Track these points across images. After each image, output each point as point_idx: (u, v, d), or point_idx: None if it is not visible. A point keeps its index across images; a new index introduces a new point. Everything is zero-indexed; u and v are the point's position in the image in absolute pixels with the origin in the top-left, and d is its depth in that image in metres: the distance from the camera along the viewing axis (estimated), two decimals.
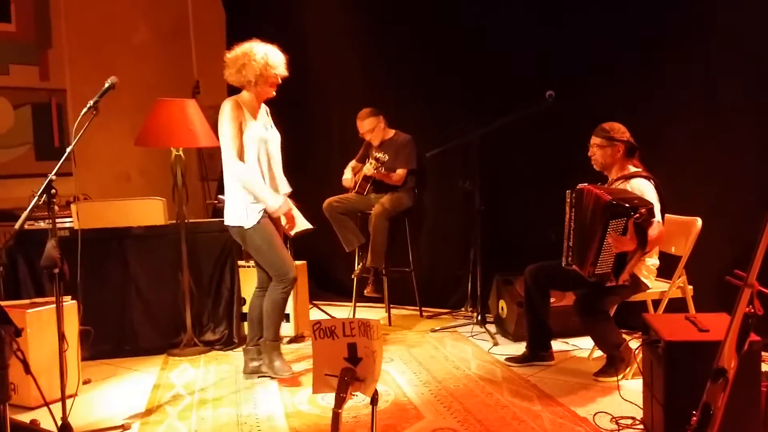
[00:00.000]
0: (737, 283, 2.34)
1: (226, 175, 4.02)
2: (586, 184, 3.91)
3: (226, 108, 3.94)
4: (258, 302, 4.21)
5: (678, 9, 4.58)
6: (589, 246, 3.78)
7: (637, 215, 3.59)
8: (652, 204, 3.69)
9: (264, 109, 4.13)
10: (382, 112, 5.52)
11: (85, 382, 4.12)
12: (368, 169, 5.34)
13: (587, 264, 3.80)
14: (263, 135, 4.00)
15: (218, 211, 5.59)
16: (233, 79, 4.00)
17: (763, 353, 2.78)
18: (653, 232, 3.69)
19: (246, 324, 4.39)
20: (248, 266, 5.00)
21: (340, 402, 2.18)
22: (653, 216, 3.68)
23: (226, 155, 3.91)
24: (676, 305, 3.97)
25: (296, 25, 6.31)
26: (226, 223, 4.07)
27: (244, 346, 4.34)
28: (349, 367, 2.24)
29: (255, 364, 4.21)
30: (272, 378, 4.13)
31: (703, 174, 4.50)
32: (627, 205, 3.62)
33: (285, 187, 4.19)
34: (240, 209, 3.96)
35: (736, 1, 4.36)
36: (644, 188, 3.85)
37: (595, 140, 4.04)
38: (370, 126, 5.48)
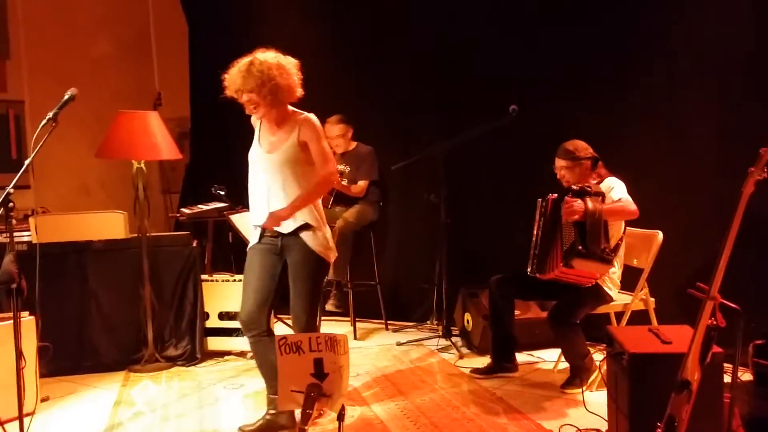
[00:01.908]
0: (700, 296, 2.37)
1: None
2: (555, 194, 3.99)
3: None
4: None
5: (639, 24, 4.66)
6: (553, 239, 3.91)
7: (579, 186, 3.82)
8: (601, 191, 3.86)
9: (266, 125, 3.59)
10: (352, 122, 5.52)
11: (44, 400, 4.02)
12: None
13: (546, 259, 3.93)
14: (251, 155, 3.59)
15: (181, 225, 5.54)
16: None
17: (725, 365, 2.81)
18: (616, 203, 3.83)
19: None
20: (212, 280, 4.95)
21: (306, 418, 2.15)
22: (599, 190, 3.84)
23: None
24: (639, 317, 4.01)
25: (259, 38, 6.22)
26: None
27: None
28: (315, 383, 2.22)
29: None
30: None
31: (663, 187, 4.56)
32: (573, 186, 3.86)
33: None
34: None
35: (697, 17, 4.44)
36: (614, 182, 3.97)
37: (560, 162, 4.09)
38: (340, 132, 5.47)
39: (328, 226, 3.57)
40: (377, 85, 5.79)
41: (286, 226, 3.42)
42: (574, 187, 3.87)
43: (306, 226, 3.41)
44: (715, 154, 4.41)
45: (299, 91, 3.50)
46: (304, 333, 3.42)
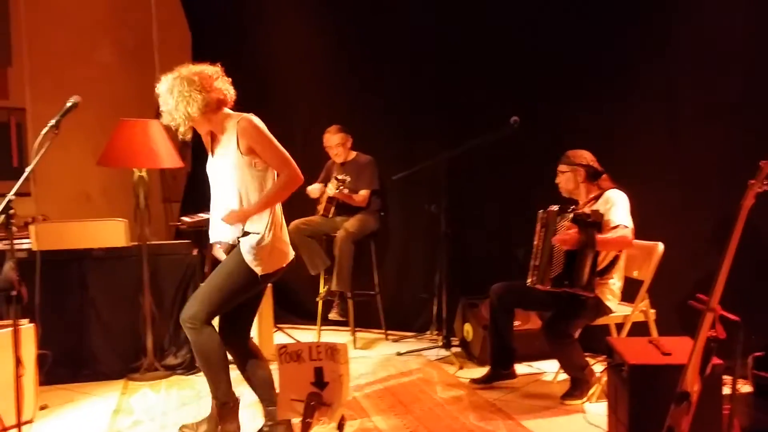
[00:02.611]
0: (700, 308, 2.37)
1: None
2: (557, 206, 3.99)
3: None
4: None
5: (639, 35, 4.67)
6: (546, 254, 3.94)
7: (579, 211, 3.80)
8: (599, 211, 3.85)
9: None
10: (350, 131, 5.54)
11: (42, 408, 4.01)
12: (330, 189, 5.33)
13: (545, 271, 3.93)
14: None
15: (182, 233, 5.53)
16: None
17: (724, 376, 2.81)
18: (613, 233, 3.82)
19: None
20: None
21: (306, 427, 2.14)
22: (600, 218, 3.82)
23: None
24: (639, 329, 4.00)
25: (261, 46, 6.29)
26: None
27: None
28: (315, 392, 2.21)
29: None
30: None
31: (664, 199, 4.56)
32: (573, 206, 3.86)
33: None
34: None
35: (697, 25, 4.46)
36: (615, 197, 3.96)
37: (559, 167, 4.17)
38: (340, 141, 5.49)
39: (285, 244, 3.40)
40: (378, 93, 5.80)
41: (230, 234, 3.35)
42: (572, 209, 3.91)
43: (247, 234, 3.32)
44: (716, 165, 4.42)
45: (220, 95, 3.32)
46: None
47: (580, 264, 3.78)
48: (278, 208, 3.42)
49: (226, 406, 3.40)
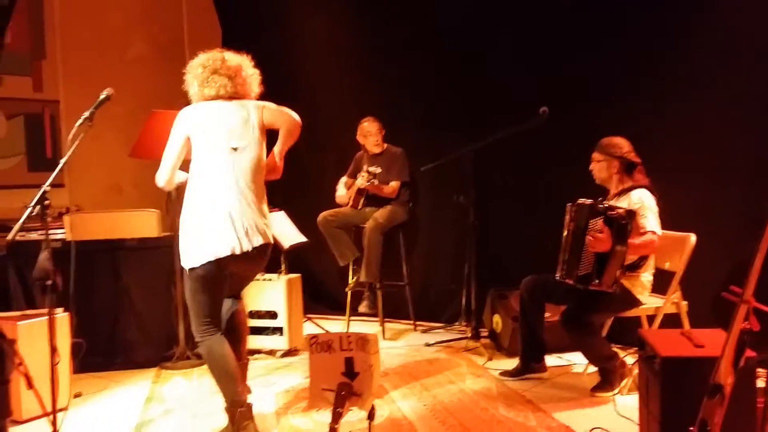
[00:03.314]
0: (733, 299, 2.33)
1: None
2: (585, 199, 3.94)
3: None
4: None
5: (669, 28, 4.61)
6: (576, 250, 3.87)
7: (613, 212, 3.71)
8: (634, 211, 3.76)
9: None
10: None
11: (76, 396, 4.08)
12: (360, 182, 5.34)
13: (573, 267, 3.87)
14: None
15: None
16: (230, 91, 3.44)
17: (758, 369, 2.77)
18: (643, 239, 3.77)
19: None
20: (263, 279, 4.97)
21: (337, 417, 2.16)
22: (633, 219, 3.74)
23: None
24: (671, 321, 3.96)
25: (291, 39, 6.32)
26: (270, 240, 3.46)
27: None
28: (346, 382, 2.23)
29: None
30: None
31: (697, 189, 4.51)
32: (606, 204, 3.78)
33: None
34: None
35: (728, 14, 4.39)
36: (644, 196, 3.89)
37: (594, 155, 4.11)
38: (379, 129, 5.51)
39: (207, 237, 3.27)
40: (405, 85, 5.80)
41: None
42: (604, 206, 3.81)
43: None
44: (749, 154, 4.35)
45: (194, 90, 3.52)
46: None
47: (610, 265, 3.73)
48: (197, 199, 3.34)
49: (234, 410, 3.32)
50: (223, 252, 3.25)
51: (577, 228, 3.93)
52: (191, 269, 3.30)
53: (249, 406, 3.34)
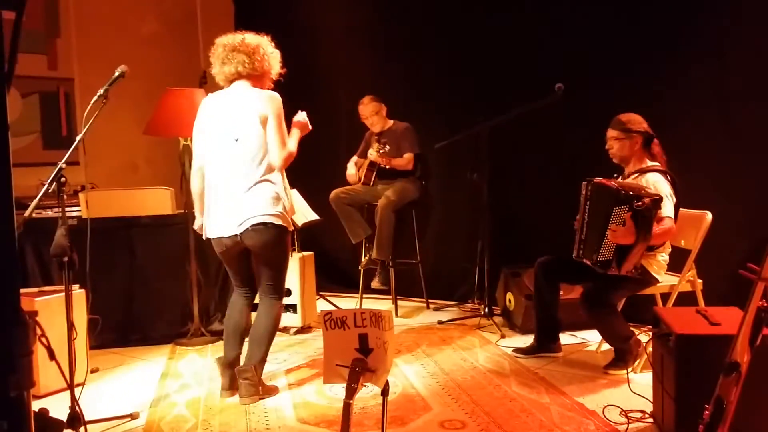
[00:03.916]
0: (751, 277, 2.32)
1: (278, 171, 3.61)
2: (601, 178, 3.87)
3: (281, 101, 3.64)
4: (240, 314, 3.81)
5: (692, 6, 4.55)
6: (595, 233, 3.79)
7: (639, 203, 3.58)
8: (659, 196, 3.67)
9: None
10: (382, 101, 5.53)
11: (93, 371, 4.12)
12: (372, 154, 5.34)
13: (592, 251, 3.80)
14: None
15: None
16: (248, 67, 3.58)
17: None
18: (662, 227, 3.69)
19: (226, 338, 3.81)
20: None
21: (351, 392, 2.17)
22: (658, 208, 3.66)
23: (285, 153, 3.60)
24: (685, 299, 3.95)
25: (304, 17, 6.29)
26: (258, 223, 3.53)
27: (240, 368, 3.69)
28: (360, 358, 2.23)
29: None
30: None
31: (713, 166, 4.47)
32: (631, 192, 3.62)
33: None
34: (278, 205, 3.59)
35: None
36: (659, 183, 3.81)
37: (611, 133, 3.99)
38: (374, 110, 5.48)
39: (207, 220, 3.69)
40: (420, 63, 5.76)
41: None
42: (629, 194, 3.62)
43: None
44: (766, 134, 4.30)
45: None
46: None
47: (632, 255, 3.68)
48: (193, 183, 3.76)
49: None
50: (210, 234, 3.69)
51: (597, 212, 3.82)
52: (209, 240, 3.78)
53: (239, 371, 3.68)
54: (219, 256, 3.75)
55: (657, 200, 3.65)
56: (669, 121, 4.54)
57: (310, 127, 3.84)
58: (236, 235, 3.54)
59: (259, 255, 3.66)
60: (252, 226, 3.51)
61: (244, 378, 3.64)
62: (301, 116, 3.83)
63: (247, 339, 3.78)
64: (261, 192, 3.53)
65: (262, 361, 3.71)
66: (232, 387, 3.72)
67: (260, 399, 3.66)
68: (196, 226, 3.87)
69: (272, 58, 3.69)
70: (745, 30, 4.36)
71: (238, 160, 3.54)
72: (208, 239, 3.72)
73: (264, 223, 3.52)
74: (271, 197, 3.54)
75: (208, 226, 3.67)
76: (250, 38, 3.64)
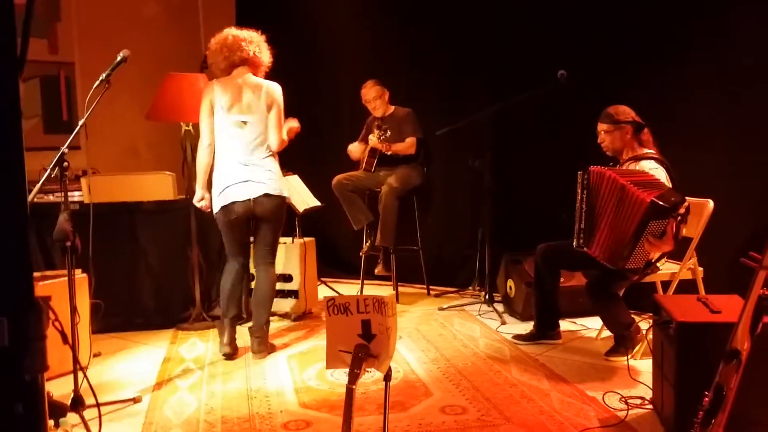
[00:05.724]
0: (752, 265, 2.33)
1: (273, 151, 4.12)
2: (597, 166, 3.85)
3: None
4: (238, 280, 4.25)
5: None
6: (623, 241, 3.62)
7: (679, 217, 3.51)
8: (686, 200, 3.58)
9: None
10: (386, 85, 5.52)
11: (96, 355, 4.14)
12: (372, 140, 5.34)
13: (618, 257, 3.66)
14: None
15: None
16: (244, 55, 4.07)
17: None
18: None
19: (227, 300, 4.21)
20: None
21: (353, 378, 2.18)
22: (689, 212, 3.62)
23: (281, 139, 4.13)
24: (686, 287, 3.96)
25: (306, 3, 6.26)
26: (270, 192, 4.03)
27: (252, 328, 4.19)
28: (363, 344, 2.24)
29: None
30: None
31: (715, 154, 4.47)
32: (668, 205, 3.47)
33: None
34: (282, 181, 4.17)
35: None
36: (656, 171, 3.79)
37: (601, 126, 3.99)
38: (377, 94, 5.47)
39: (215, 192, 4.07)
40: (423, 50, 5.75)
41: None
42: (669, 203, 3.46)
43: None
44: None
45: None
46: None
47: (654, 260, 3.70)
48: (201, 156, 4.09)
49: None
50: (216, 207, 4.11)
51: (589, 196, 3.78)
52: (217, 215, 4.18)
53: (251, 330, 4.18)
54: (225, 226, 4.10)
55: (688, 206, 3.58)
56: (670, 109, 4.54)
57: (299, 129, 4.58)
58: (249, 200, 4.00)
59: (266, 220, 4.09)
60: (265, 193, 4.00)
61: (256, 336, 4.14)
62: (294, 123, 4.60)
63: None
64: (271, 166, 4.08)
65: (268, 321, 4.20)
66: (231, 343, 4.14)
67: (268, 354, 4.17)
68: (196, 200, 4.18)
69: (262, 49, 4.13)
70: (749, 11, 4.33)
71: (248, 137, 4.02)
72: (212, 220, 4.15)
73: (275, 194, 4.04)
74: (277, 172, 4.11)
75: (221, 196, 4.01)
76: (241, 32, 4.10)
